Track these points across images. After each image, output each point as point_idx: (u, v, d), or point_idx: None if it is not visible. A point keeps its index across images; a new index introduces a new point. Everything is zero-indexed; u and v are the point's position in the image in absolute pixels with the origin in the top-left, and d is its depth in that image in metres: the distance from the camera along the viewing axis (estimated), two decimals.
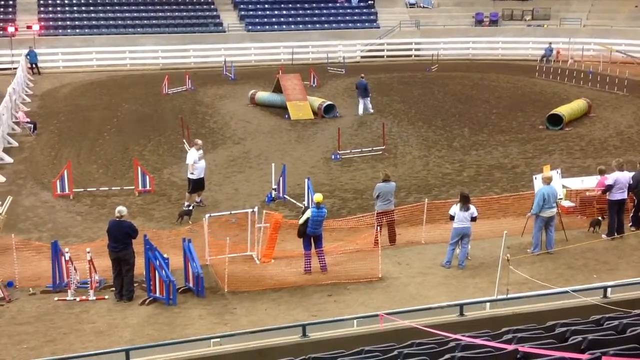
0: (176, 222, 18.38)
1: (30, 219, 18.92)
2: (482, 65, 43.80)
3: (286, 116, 30.09)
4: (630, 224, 16.77)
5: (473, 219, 15.08)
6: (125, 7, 47.07)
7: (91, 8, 46.22)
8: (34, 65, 40.61)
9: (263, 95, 32.87)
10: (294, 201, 19.74)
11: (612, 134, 27.18)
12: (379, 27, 48.33)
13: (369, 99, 30.96)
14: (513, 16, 49.59)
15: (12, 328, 12.72)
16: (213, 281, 14.58)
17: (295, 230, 15.47)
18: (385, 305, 12.72)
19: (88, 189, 20.93)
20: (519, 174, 22.30)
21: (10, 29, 41.68)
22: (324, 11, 49.73)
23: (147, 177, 21.01)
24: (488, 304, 11.04)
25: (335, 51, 45.61)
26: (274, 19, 48.14)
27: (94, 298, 13.84)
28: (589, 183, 18.27)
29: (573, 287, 11.74)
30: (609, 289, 11.05)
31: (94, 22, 45.36)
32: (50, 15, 44.96)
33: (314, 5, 49.94)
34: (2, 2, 44.83)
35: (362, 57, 46.71)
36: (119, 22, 45.81)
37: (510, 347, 8.29)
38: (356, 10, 50.03)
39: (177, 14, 47.46)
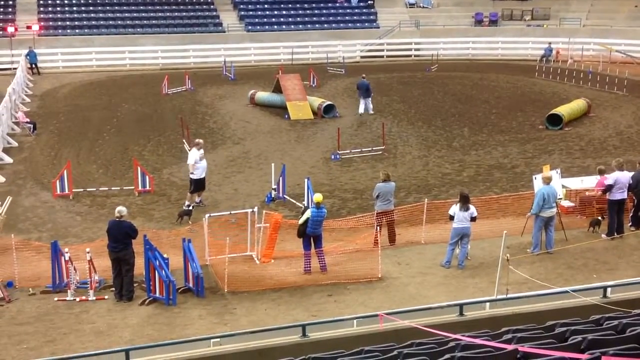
0: (176, 222, 18.38)
1: (30, 219, 18.92)
2: (482, 65, 43.81)
3: (286, 116, 30.09)
4: (630, 223, 16.78)
5: (473, 219, 15.08)
6: (124, 7, 47.07)
7: (91, 8, 46.21)
8: (33, 66, 40.60)
9: (263, 95, 32.87)
10: (294, 201, 19.74)
11: (611, 133, 27.19)
12: (378, 27, 48.34)
13: (370, 99, 30.95)
14: (513, 16, 49.60)
15: (11, 328, 12.72)
16: (213, 281, 14.58)
17: (295, 230, 15.47)
18: (385, 305, 12.73)
19: (88, 189, 20.93)
20: (519, 174, 22.31)
21: (10, 29, 41.68)
22: (324, 11, 49.74)
23: (147, 177, 21.01)
24: (488, 303, 11.04)
25: (335, 51, 45.62)
26: (273, 19, 48.14)
27: (94, 298, 13.84)
28: (588, 183, 18.27)
29: (573, 287, 11.74)
30: (608, 289, 11.05)
31: (93, 22, 45.36)
32: (50, 16, 44.96)
33: (314, 5, 49.94)
34: (2, 2, 44.82)
35: (362, 57, 46.71)
36: (119, 22, 45.80)
37: (510, 347, 8.29)
38: (356, 10, 50.04)
39: (176, 14, 47.46)
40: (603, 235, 16.42)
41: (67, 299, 13.84)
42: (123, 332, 12.45)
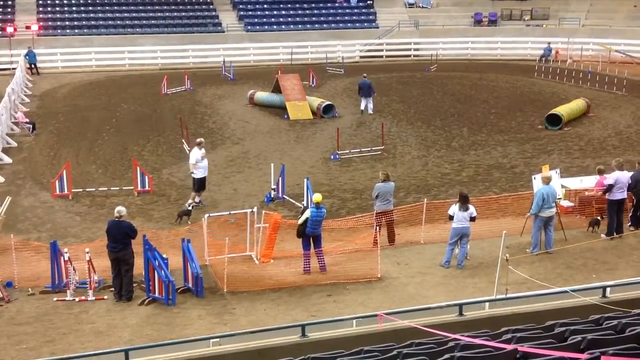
0: (175, 223, 18.38)
1: (29, 219, 18.92)
2: (481, 65, 43.80)
3: (285, 116, 30.09)
4: (629, 223, 16.79)
5: (472, 219, 15.08)
6: (124, 7, 47.05)
7: (90, 8, 46.17)
8: (32, 66, 40.57)
9: (262, 95, 32.86)
10: (293, 201, 19.74)
11: (610, 133, 27.20)
12: (377, 27, 48.32)
13: (371, 98, 30.95)
14: (512, 16, 49.60)
15: (11, 328, 12.71)
16: (212, 281, 14.58)
17: (295, 231, 15.48)
18: (384, 305, 12.73)
19: (87, 189, 20.92)
20: (518, 173, 22.31)
21: (9, 29, 41.65)
22: (323, 11, 49.73)
23: (146, 177, 21.01)
24: (487, 303, 11.04)
25: (334, 51, 45.60)
26: (273, 19, 48.13)
27: (93, 298, 13.84)
28: (588, 183, 18.27)
29: (572, 286, 11.74)
30: (608, 289, 11.05)
31: (92, 23, 45.33)
32: (49, 16, 44.93)
33: (313, 5, 49.94)
34: (1, 2, 44.80)
35: (361, 57, 46.69)
36: (118, 22, 45.78)
37: (509, 347, 8.29)
38: (355, 10, 50.03)
39: (176, 14, 47.43)
40: (602, 235, 16.43)
41: (67, 299, 13.84)
42: (122, 332, 12.45)
